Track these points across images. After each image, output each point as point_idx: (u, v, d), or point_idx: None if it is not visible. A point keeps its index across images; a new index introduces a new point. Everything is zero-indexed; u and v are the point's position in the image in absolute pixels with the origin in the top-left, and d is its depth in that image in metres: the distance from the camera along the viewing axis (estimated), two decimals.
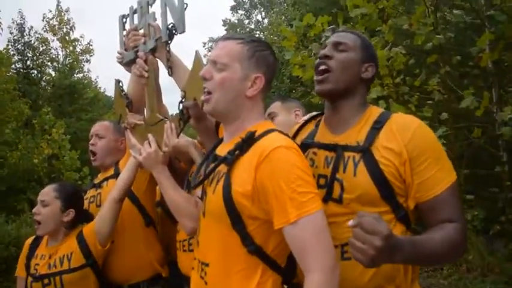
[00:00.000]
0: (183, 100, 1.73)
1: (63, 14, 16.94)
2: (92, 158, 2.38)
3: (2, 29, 11.88)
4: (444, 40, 4.47)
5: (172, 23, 1.85)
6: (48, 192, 2.09)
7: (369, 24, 4.56)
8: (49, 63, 16.68)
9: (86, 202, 2.29)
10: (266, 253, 1.29)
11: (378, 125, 1.38)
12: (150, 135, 1.86)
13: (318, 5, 11.61)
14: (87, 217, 2.17)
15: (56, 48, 16.92)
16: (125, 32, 2.22)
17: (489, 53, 4.02)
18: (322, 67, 1.45)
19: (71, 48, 17.13)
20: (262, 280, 1.28)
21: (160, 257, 2.25)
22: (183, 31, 1.80)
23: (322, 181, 1.39)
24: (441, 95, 4.71)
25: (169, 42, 1.89)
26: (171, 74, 1.90)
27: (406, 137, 1.31)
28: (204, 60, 1.68)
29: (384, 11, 4.79)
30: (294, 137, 1.58)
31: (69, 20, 17.04)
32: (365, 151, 1.33)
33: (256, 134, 1.32)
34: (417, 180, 1.30)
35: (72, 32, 17.10)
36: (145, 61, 1.96)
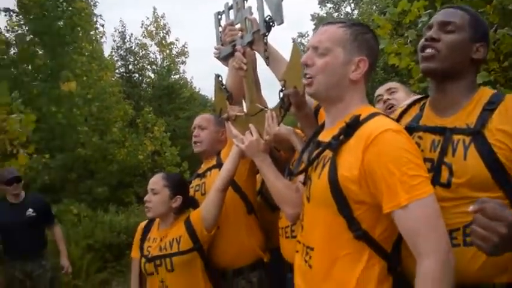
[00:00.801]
0: (284, 89, 1.77)
1: (159, 19, 18.04)
2: (194, 146, 2.51)
3: (106, 37, 13.02)
4: None
5: (269, 15, 1.91)
6: (157, 181, 2.26)
7: (471, 5, 4.24)
8: (148, 67, 17.86)
9: (191, 191, 2.44)
10: (373, 238, 1.27)
11: (490, 106, 1.30)
12: (251, 125, 1.94)
13: None
14: (193, 203, 2.32)
15: (154, 52, 18.07)
16: (220, 28, 2.32)
17: None
18: (429, 50, 1.37)
19: (168, 51, 18.17)
20: (368, 265, 1.27)
21: (261, 243, 2.33)
22: (282, 22, 1.85)
23: (428, 165, 1.33)
24: None
25: (266, 34, 1.95)
26: (268, 64, 1.96)
27: None
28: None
29: None
30: (397, 122, 1.54)
31: (165, 25, 18.12)
32: (476, 134, 1.26)
33: (361, 117, 1.31)
34: None
35: (168, 36, 18.16)
36: (244, 54, 2.04)
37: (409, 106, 1.58)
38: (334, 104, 1.41)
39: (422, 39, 1.41)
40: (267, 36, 1.96)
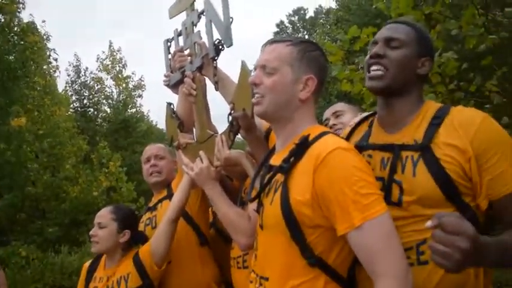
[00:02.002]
0: (232, 112, 1.72)
1: (115, 53, 17.92)
2: (151, 176, 2.39)
3: (59, 72, 12.75)
4: (498, 40, 4.24)
5: (218, 38, 1.87)
6: (104, 215, 2.13)
7: None
8: (104, 101, 17.59)
9: (142, 225, 2.32)
10: (328, 264, 1.21)
11: (436, 121, 1.27)
12: (201, 152, 1.87)
13: (361, 20, 11.52)
14: (143, 238, 2.19)
15: (110, 86, 17.90)
16: (170, 55, 2.28)
17: None
18: (375, 67, 1.34)
19: (124, 85, 18.00)
20: None
21: (216, 276, 2.22)
22: (231, 44, 1.82)
23: (379, 184, 1.28)
24: (500, 98, 4.44)
25: (216, 58, 1.91)
26: (217, 88, 1.91)
27: (470, 132, 1.20)
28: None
29: (431, 17, 4.64)
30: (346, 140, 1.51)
31: (121, 58, 18.00)
32: (424, 149, 1.23)
33: (310, 137, 1.26)
34: (487, 177, 1.19)
35: (125, 69, 18.03)
36: (193, 79, 1.98)
37: (358, 124, 1.55)
38: (283, 124, 1.37)
39: (368, 56, 1.38)
40: (216, 60, 1.92)
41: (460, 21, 4.36)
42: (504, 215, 1.21)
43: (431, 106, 1.34)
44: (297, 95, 1.33)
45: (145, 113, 19.13)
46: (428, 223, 0.95)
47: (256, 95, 1.35)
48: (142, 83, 18.32)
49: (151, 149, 2.47)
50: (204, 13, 1.98)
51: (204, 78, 1.99)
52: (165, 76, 2.33)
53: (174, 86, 2.25)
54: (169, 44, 2.36)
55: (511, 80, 5.10)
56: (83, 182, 11.50)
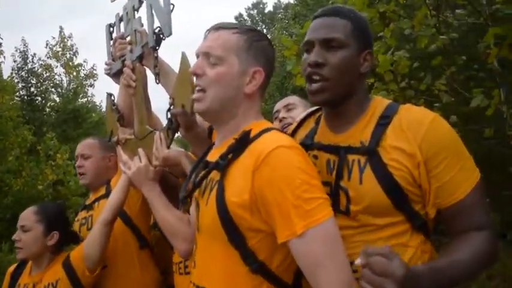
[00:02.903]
0: (171, 108, 1.59)
1: (66, 40, 17.13)
2: (79, 178, 2.25)
3: (4, 57, 12.02)
4: (448, 41, 4.32)
5: (159, 26, 1.73)
6: (28, 216, 1.94)
7: (371, 28, 4.42)
8: (53, 89, 16.78)
9: (77, 224, 2.15)
10: (271, 270, 1.11)
11: (384, 121, 1.19)
12: (140, 150, 1.74)
13: None
14: (75, 239, 2.02)
15: (60, 74, 17.08)
16: (112, 42, 2.11)
17: (496, 49, 3.86)
18: (316, 77, 1.22)
19: (75, 73, 17.26)
20: None
21: (157, 282, 2.09)
22: (170, 34, 1.68)
23: (326, 189, 1.19)
24: (449, 97, 4.55)
25: (156, 48, 1.77)
26: (158, 81, 1.77)
27: (419, 135, 1.12)
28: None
29: (385, 15, 4.67)
30: (291, 137, 1.40)
31: (72, 45, 17.23)
32: (371, 153, 1.15)
33: (252, 133, 1.15)
34: (435, 184, 1.12)
35: (76, 57, 17.27)
36: (133, 70, 1.83)
37: (304, 119, 1.45)
38: (226, 120, 1.24)
39: (305, 63, 1.24)
40: (157, 50, 1.77)
41: (413, 20, 4.42)
42: (450, 225, 1.15)
43: (379, 104, 1.25)
44: (242, 89, 1.20)
45: (97, 103, 18.44)
46: (357, 260, 0.92)
47: (197, 88, 1.22)
48: (95, 71, 17.60)
49: (78, 147, 2.29)
50: None
51: (145, 69, 1.84)
52: (106, 64, 2.16)
53: (116, 75, 2.09)
54: (111, 29, 2.19)
55: (459, 80, 5.23)
56: (27, 174, 10.91)
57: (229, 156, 1.13)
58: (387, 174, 1.12)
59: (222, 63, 1.19)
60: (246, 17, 30.65)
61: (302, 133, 1.40)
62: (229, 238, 1.10)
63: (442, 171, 1.12)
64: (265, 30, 26.71)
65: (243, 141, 1.13)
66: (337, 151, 1.21)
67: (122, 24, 2.07)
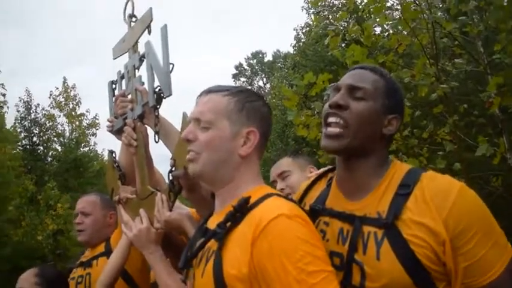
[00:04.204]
0: (173, 169, 1.55)
1: (69, 90, 17.46)
2: (77, 234, 2.19)
3: (8, 107, 12.18)
4: (449, 89, 4.36)
5: (159, 86, 1.71)
6: (28, 279, 1.88)
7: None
8: (55, 139, 16.92)
9: (72, 283, 2.07)
10: None
11: (404, 190, 1.08)
12: (141, 211, 1.67)
13: (318, 66, 11.83)
14: None
15: (63, 124, 17.31)
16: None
17: (499, 98, 3.89)
18: (333, 119, 1.14)
19: (77, 123, 17.46)
20: None
21: None
22: (170, 94, 1.65)
23: (337, 260, 1.11)
24: (452, 145, 4.53)
25: (157, 107, 1.75)
26: (157, 140, 1.74)
27: (445, 209, 1.01)
28: None
29: (385, 65, 4.74)
30: (302, 198, 1.34)
31: (75, 95, 17.53)
32: (389, 227, 1.04)
33: (251, 200, 1.09)
34: (464, 263, 1.01)
35: (79, 107, 17.53)
36: (134, 129, 1.80)
37: (317, 179, 1.37)
38: (222, 183, 1.19)
39: (326, 105, 1.18)
40: (158, 108, 1.75)
41: (413, 70, 4.48)
42: None
43: (398, 169, 1.15)
44: (236, 151, 1.16)
45: (99, 152, 18.51)
46: None
47: (191, 153, 1.19)
48: (97, 121, 17.83)
49: (78, 204, 2.24)
50: (145, 57, 1.83)
51: (146, 128, 1.81)
52: (109, 121, 2.14)
53: (118, 133, 2.06)
54: (114, 86, 2.19)
55: (460, 127, 5.24)
56: (27, 224, 10.79)
57: (228, 224, 1.07)
58: (408, 251, 1.02)
59: (213, 127, 1.16)
60: (245, 66, 31.37)
61: (313, 195, 1.31)
62: None
63: (472, 249, 1.01)
64: (265, 79, 27.25)
65: (242, 209, 1.07)
66: (351, 220, 1.12)
67: (124, 82, 2.06)
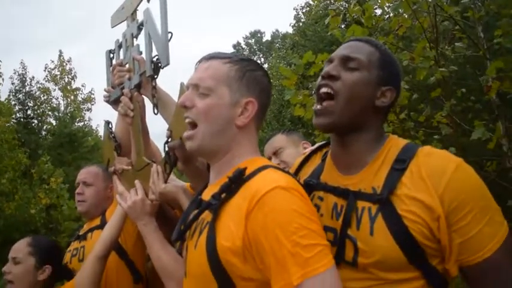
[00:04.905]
0: (169, 140, 1.53)
1: (65, 64, 17.26)
2: (77, 204, 2.17)
3: (3, 79, 12.04)
4: (447, 73, 4.34)
5: (157, 55, 1.68)
6: (21, 248, 1.87)
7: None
8: (50, 113, 16.78)
9: (68, 255, 2.06)
10: None
11: (400, 165, 1.06)
12: (137, 182, 1.66)
13: (317, 46, 11.72)
14: (67, 274, 1.93)
15: (57, 98, 17.14)
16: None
17: (498, 83, 3.87)
18: (324, 90, 1.13)
19: (72, 97, 17.31)
20: None
21: None
22: (167, 64, 1.63)
23: (330, 236, 1.09)
24: (449, 128, 4.53)
25: (155, 76, 1.72)
26: (157, 112, 1.72)
27: (441, 185, 1.00)
28: None
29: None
30: (296, 173, 1.33)
31: (71, 69, 17.35)
32: (384, 202, 1.03)
33: (247, 171, 1.07)
34: (458, 239, 1.00)
35: (74, 81, 17.38)
36: (131, 99, 1.78)
37: (311, 154, 1.36)
38: (219, 156, 1.17)
39: (319, 78, 1.17)
40: (155, 78, 1.72)
41: (412, 53, 4.45)
42: (475, 285, 1.03)
43: (394, 144, 1.13)
44: (234, 121, 1.14)
45: (94, 128, 18.41)
46: None
47: (187, 120, 1.16)
48: (92, 96, 17.70)
49: (81, 173, 2.23)
50: (143, 25, 1.79)
51: (143, 98, 1.78)
52: (105, 91, 2.11)
53: (115, 103, 2.03)
54: (111, 55, 2.15)
55: (458, 113, 5.23)
56: (20, 198, 10.76)
57: (223, 195, 1.05)
58: (402, 226, 1.00)
59: (212, 94, 1.13)
60: (243, 46, 31.08)
61: (308, 170, 1.30)
62: (219, 286, 1.00)
63: (467, 226, 1.00)
64: (262, 59, 27.02)
65: (237, 180, 1.05)
66: (345, 195, 1.11)
67: (122, 51, 2.03)
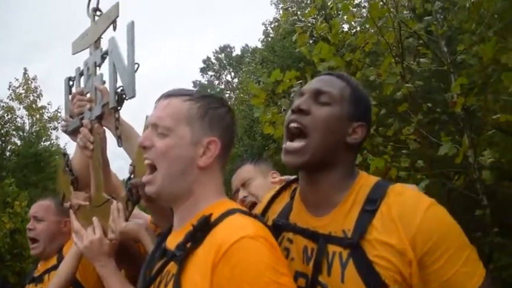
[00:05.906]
0: (132, 176, 1.46)
1: (30, 82, 16.80)
2: (31, 246, 2.05)
3: None
4: (414, 88, 4.43)
5: (121, 86, 1.62)
6: None
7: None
8: (14, 132, 16.23)
9: None
10: None
11: (370, 206, 1.03)
12: (95, 219, 1.57)
13: (285, 62, 11.82)
14: None
15: (22, 117, 16.60)
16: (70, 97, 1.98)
17: (463, 97, 3.97)
18: (294, 125, 1.09)
19: (38, 116, 16.82)
20: None
21: None
22: (133, 96, 1.56)
23: (302, 282, 1.05)
24: (417, 143, 4.60)
25: (118, 108, 1.65)
26: (121, 145, 1.64)
27: (412, 227, 0.96)
28: None
29: (351, 63, 4.76)
30: (264, 212, 1.27)
31: (36, 87, 16.89)
32: (354, 247, 0.99)
33: (213, 217, 1.01)
34: (434, 283, 0.95)
35: (40, 99, 16.89)
36: (91, 130, 1.70)
37: (280, 190, 1.30)
38: (181, 200, 1.10)
39: (289, 111, 1.13)
40: (118, 110, 1.65)
41: (379, 68, 4.52)
42: None
43: (365, 183, 1.10)
44: (195, 162, 1.08)
45: (61, 147, 17.88)
46: None
47: (146, 161, 1.10)
48: (59, 114, 17.20)
49: (31, 208, 2.13)
50: (108, 54, 1.73)
51: (104, 130, 1.71)
52: (63, 121, 2.02)
53: (73, 133, 1.94)
54: (71, 83, 2.07)
55: (424, 125, 5.33)
56: None
57: (187, 245, 0.99)
58: (373, 273, 0.96)
59: (171, 134, 1.08)
60: (213, 60, 31.09)
61: (276, 208, 1.24)
62: None
63: (442, 267, 0.95)
64: (233, 74, 27.10)
65: (202, 228, 0.99)
66: (315, 238, 1.06)
67: (82, 78, 1.95)
